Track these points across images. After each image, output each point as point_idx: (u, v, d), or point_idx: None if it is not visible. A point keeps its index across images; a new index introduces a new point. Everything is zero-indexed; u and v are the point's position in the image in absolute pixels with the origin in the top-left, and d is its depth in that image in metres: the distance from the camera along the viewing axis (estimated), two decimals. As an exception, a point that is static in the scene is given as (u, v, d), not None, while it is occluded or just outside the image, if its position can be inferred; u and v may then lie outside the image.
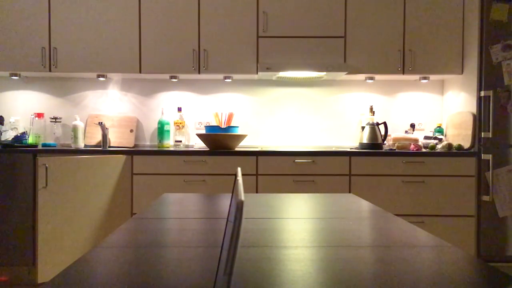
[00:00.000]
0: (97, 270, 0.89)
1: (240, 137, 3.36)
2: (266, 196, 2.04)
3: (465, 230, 3.26)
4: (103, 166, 3.10)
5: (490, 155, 3.18)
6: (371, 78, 3.71)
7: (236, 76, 3.69)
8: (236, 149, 3.43)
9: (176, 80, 3.80)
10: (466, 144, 3.32)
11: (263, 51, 3.50)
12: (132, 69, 3.51)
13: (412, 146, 3.42)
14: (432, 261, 0.98)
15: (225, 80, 3.79)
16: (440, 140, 3.50)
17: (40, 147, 3.55)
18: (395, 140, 3.51)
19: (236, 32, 3.50)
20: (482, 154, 3.22)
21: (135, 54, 3.50)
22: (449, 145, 3.34)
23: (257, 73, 3.50)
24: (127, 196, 3.24)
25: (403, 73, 3.53)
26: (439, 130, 3.68)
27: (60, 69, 3.49)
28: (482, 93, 3.22)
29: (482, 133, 3.22)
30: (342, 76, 3.61)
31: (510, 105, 3.20)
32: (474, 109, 3.31)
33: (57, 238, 2.84)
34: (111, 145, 3.72)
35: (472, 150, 3.29)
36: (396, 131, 3.84)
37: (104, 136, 3.46)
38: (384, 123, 3.58)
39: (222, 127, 3.42)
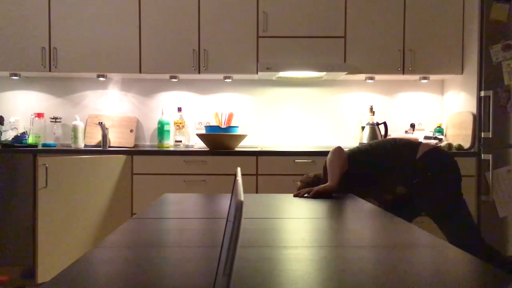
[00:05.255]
0: (97, 270, 0.89)
1: (240, 137, 3.36)
2: (266, 196, 2.04)
3: (465, 230, 3.25)
4: (103, 166, 3.10)
5: (490, 155, 3.18)
6: (371, 78, 3.71)
7: (236, 76, 3.69)
8: (236, 149, 3.43)
9: (176, 80, 3.80)
10: (466, 144, 3.32)
11: (263, 51, 3.50)
12: (132, 69, 3.50)
13: (412, 146, 3.42)
14: (432, 261, 0.98)
15: (225, 80, 3.79)
16: (440, 140, 3.50)
17: (40, 147, 3.55)
18: (395, 140, 3.50)
19: (236, 32, 3.50)
20: (482, 154, 3.21)
21: (135, 54, 3.50)
22: (449, 145, 3.34)
23: (257, 73, 3.50)
24: (127, 196, 3.24)
25: (403, 73, 3.53)
26: (439, 130, 3.68)
27: (60, 69, 3.49)
28: (482, 93, 3.22)
29: (482, 133, 3.22)
30: (342, 76, 3.61)
31: (510, 105, 3.20)
32: (474, 109, 3.31)
33: (57, 238, 2.83)
34: (111, 145, 3.71)
35: (472, 150, 3.28)
36: (396, 131, 3.84)
37: (104, 136, 3.46)
38: (384, 123, 3.58)
39: (222, 127, 3.42)
